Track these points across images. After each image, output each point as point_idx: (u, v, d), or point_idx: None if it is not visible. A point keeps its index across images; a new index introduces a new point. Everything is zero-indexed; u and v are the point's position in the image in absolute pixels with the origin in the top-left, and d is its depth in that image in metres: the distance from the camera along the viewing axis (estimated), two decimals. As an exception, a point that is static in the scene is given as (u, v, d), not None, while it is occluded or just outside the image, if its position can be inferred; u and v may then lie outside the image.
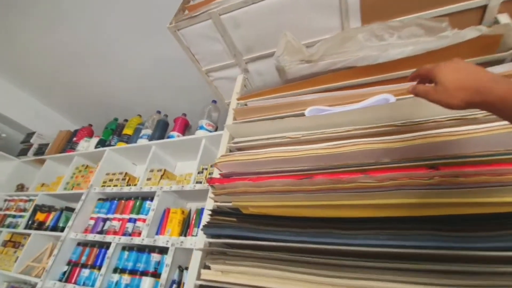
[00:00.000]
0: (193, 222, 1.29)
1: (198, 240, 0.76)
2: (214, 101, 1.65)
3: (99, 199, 1.66)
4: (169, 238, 1.28)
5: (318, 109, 0.79)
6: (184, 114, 1.76)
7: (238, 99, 1.00)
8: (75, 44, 1.81)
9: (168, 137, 1.63)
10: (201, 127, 1.50)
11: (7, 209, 2.06)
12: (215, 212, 0.75)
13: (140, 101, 2.16)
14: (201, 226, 0.74)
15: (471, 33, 0.66)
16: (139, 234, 1.35)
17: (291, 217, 0.66)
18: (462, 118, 0.60)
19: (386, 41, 0.76)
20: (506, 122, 0.48)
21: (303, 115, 0.83)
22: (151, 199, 1.45)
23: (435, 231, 0.53)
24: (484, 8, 0.77)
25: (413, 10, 0.79)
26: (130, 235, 1.39)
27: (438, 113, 0.64)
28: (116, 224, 1.49)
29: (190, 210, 1.41)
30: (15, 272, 1.57)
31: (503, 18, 0.77)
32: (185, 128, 1.70)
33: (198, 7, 0.90)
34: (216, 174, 0.82)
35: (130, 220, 1.46)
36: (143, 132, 1.71)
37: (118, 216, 1.51)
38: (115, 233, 1.45)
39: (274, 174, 0.70)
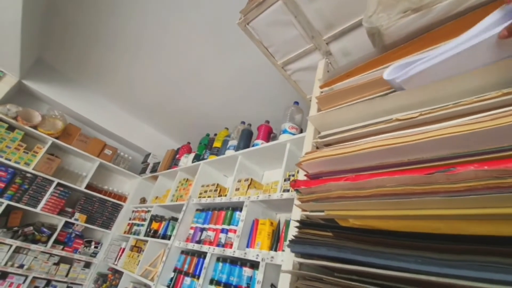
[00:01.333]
0: (282, 235, 1.16)
1: (285, 259, 0.61)
2: (296, 102, 1.51)
3: (197, 210, 1.76)
4: (259, 252, 1.18)
5: (403, 64, 0.54)
6: (267, 121, 1.69)
7: (321, 86, 0.82)
8: (172, 75, 2.06)
9: (253, 146, 1.59)
10: (285, 131, 1.38)
11: (134, 218, 2.47)
12: (303, 224, 0.59)
13: (226, 114, 2.26)
14: (287, 242, 0.59)
15: None
16: (231, 245, 1.31)
17: (420, 234, 0.43)
18: None
19: None
20: None
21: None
22: (241, 210, 1.41)
23: None
24: None
25: None
26: (223, 246, 1.37)
27: None
28: (211, 234, 1.51)
29: (279, 222, 1.28)
30: (137, 274, 1.81)
31: None
32: (269, 135, 1.62)
33: (266, -8, 0.80)
34: (301, 176, 0.66)
35: (222, 230, 1.45)
36: (230, 143, 1.73)
37: (212, 226, 1.53)
38: (210, 243, 1.46)
39: (383, 170, 0.49)
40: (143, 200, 2.68)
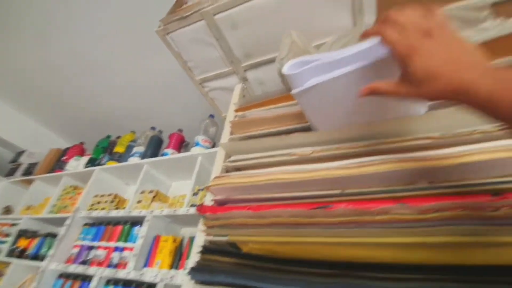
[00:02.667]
0: (186, 252, 1.13)
1: (185, 285, 0.60)
2: (212, 116, 1.53)
3: (85, 224, 1.51)
4: (158, 271, 1.11)
5: (302, 62, 0.51)
6: (180, 130, 1.63)
7: (236, 110, 0.87)
8: (68, 61, 1.74)
9: (162, 155, 1.50)
10: (197, 144, 1.37)
11: (-10, 234, 1.90)
12: (206, 250, 0.60)
13: (134, 117, 2.05)
14: (188, 268, 0.59)
15: (521, 22, 0.53)
16: (125, 265, 1.18)
17: (306, 260, 0.51)
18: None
19: (411, 37, 0.63)
20: None
21: (308, 128, 0.69)
22: (141, 225, 1.29)
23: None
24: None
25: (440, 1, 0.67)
26: (115, 266, 1.22)
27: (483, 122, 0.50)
28: (101, 253, 1.32)
29: (183, 238, 1.25)
30: (-12, 308, 1.39)
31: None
32: (181, 144, 1.57)
33: (189, 8, 0.79)
34: (208, 200, 0.67)
35: (116, 248, 1.30)
36: (135, 149, 1.58)
37: (104, 244, 1.34)
38: (99, 264, 1.28)
39: (280, 202, 0.56)
40: (7, 210, 2.10)
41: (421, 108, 0.55)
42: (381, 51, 0.42)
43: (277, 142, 0.66)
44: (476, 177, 0.45)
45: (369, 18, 0.72)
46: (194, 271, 0.56)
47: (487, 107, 0.27)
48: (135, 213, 1.31)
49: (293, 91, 0.52)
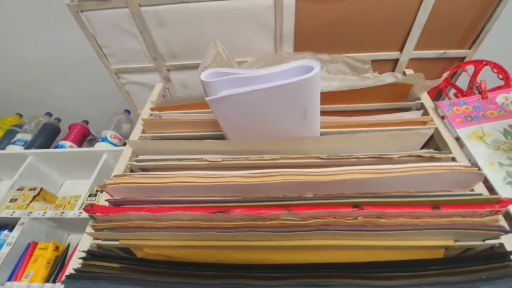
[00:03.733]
0: (70, 261, 0.97)
1: (56, 297, 0.52)
2: (127, 111, 1.40)
3: None
4: (27, 285, 0.92)
5: (220, 72, 0.55)
6: (86, 121, 1.43)
7: (152, 109, 0.83)
8: None
9: (56, 147, 1.27)
10: (104, 139, 1.23)
11: None
12: (91, 255, 0.54)
13: (25, 97, 1.68)
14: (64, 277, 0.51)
15: (389, 78, 0.70)
16: (-23, 280, 0.93)
17: (197, 264, 0.51)
18: (380, 157, 0.61)
19: (316, 72, 0.75)
20: (423, 164, 0.48)
21: (222, 136, 0.72)
22: (11, 229, 1.05)
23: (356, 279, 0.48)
24: (396, 61, 0.86)
25: (339, 49, 0.82)
26: (-39, 282, 0.94)
27: (359, 150, 0.63)
28: None
29: (69, 246, 1.07)
30: None
31: (409, 72, 0.87)
32: (83, 138, 1.37)
33: (114, -9, 0.73)
34: (102, 200, 0.61)
35: (-33, 259, 1.01)
36: (19, 136, 1.29)
37: None
38: None
39: (182, 205, 0.55)
40: None
41: (317, 132, 0.65)
42: (290, 78, 0.49)
43: (189, 147, 0.66)
44: (347, 192, 0.56)
45: (288, 48, 0.82)
46: (70, 279, 0.49)
47: None
48: (5, 213, 1.05)
49: (207, 99, 0.54)
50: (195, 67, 0.89)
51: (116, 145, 1.24)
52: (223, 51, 0.73)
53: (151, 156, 0.70)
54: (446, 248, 0.53)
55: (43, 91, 1.66)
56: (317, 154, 0.62)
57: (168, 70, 0.91)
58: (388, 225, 0.49)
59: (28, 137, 1.30)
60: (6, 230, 1.07)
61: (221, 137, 0.74)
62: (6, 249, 0.97)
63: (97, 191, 1.10)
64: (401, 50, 0.84)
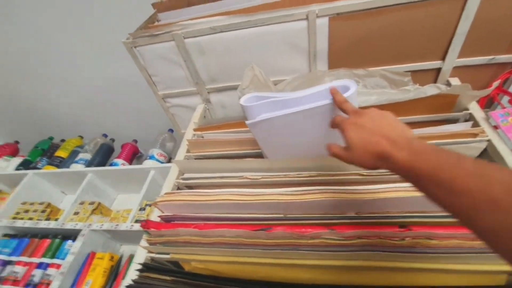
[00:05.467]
0: (123, 272, 1.06)
1: (117, 305, 0.57)
2: (171, 130, 1.51)
3: (5, 235, 1.32)
4: (87, 292, 1.02)
5: (258, 97, 0.57)
6: (135, 141, 1.58)
7: (195, 130, 0.89)
8: (6, 48, 1.59)
9: (111, 165, 1.41)
10: (151, 157, 1.34)
11: None
12: (146, 267, 0.59)
13: (85, 121, 1.91)
14: (123, 287, 0.56)
15: (431, 90, 0.68)
16: (48, 285, 1.05)
17: (242, 280, 0.53)
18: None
19: (352, 88, 0.75)
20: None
21: (261, 154, 0.75)
22: (74, 239, 1.18)
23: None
24: (438, 70, 0.82)
25: (375, 63, 0.81)
26: (35, 286, 1.08)
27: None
28: (19, 270, 1.16)
29: (122, 256, 1.17)
30: None
31: (454, 82, 0.82)
32: (133, 156, 1.50)
33: (161, 27, 0.82)
34: (155, 216, 0.67)
35: (40, 265, 1.15)
36: (81, 156, 1.47)
37: (24, 259, 1.18)
38: (15, 282, 1.12)
39: (227, 222, 0.58)
40: None
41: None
42: (325, 101, 0.51)
43: (230, 165, 0.70)
44: (392, 210, 0.54)
45: (322, 66, 0.84)
46: (130, 290, 0.55)
47: (406, 176, 0.31)
48: (70, 225, 1.19)
49: (247, 122, 0.57)
50: (232, 88, 0.95)
51: (162, 162, 1.34)
52: (259, 74, 0.77)
53: (195, 174, 0.75)
54: (510, 273, 0.48)
55: (99, 114, 1.87)
56: (356, 171, 0.62)
57: (208, 93, 0.98)
58: (440, 247, 0.46)
59: (88, 156, 1.47)
60: (70, 241, 1.21)
61: (260, 155, 0.77)
62: (70, 257, 1.09)
63: (146, 205, 1.19)
64: (443, 58, 0.81)
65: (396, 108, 0.72)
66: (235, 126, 0.84)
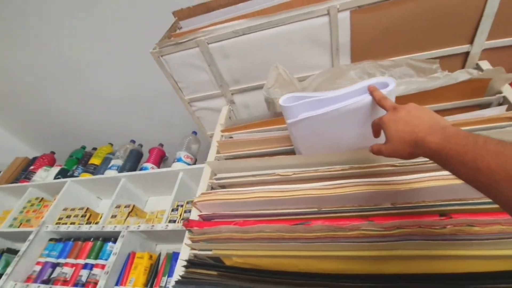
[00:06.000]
0: (162, 269, 1.11)
1: (167, 299, 0.62)
2: (195, 132, 1.56)
3: (51, 239, 1.42)
4: (131, 289, 1.08)
5: (296, 97, 0.61)
6: (161, 145, 1.64)
7: (222, 131, 0.92)
8: (42, 67, 1.70)
9: (141, 169, 1.49)
10: (179, 159, 1.39)
11: None
12: (191, 263, 0.63)
13: (113, 129, 2.02)
14: (172, 282, 0.61)
15: (462, 75, 0.66)
16: (95, 284, 1.13)
17: (284, 272, 0.56)
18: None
19: (378, 79, 0.75)
20: None
21: (293, 151, 0.77)
22: (114, 241, 1.26)
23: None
24: (466, 54, 0.80)
25: (400, 52, 0.80)
26: (83, 285, 1.16)
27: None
28: (67, 271, 1.25)
29: (160, 255, 1.23)
30: None
31: (484, 65, 0.80)
32: (161, 160, 1.57)
33: (185, 35, 0.86)
34: (194, 215, 0.71)
35: (86, 266, 1.24)
36: (113, 162, 1.55)
37: (71, 261, 1.28)
38: (65, 282, 1.21)
39: (264, 218, 0.61)
40: (-43, 223, 1.90)
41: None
42: (365, 96, 0.53)
43: (261, 163, 0.72)
44: (428, 200, 0.54)
45: (345, 60, 0.84)
46: (179, 284, 0.59)
47: (437, 159, 0.34)
48: (109, 228, 1.27)
49: (288, 121, 0.61)
50: (255, 88, 0.97)
51: (189, 164, 1.39)
52: (284, 72, 0.79)
53: (228, 174, 0.78)
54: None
55: (127, 121, 1.96)
56: (389, 162, 0.62)
57: (232, 94, 1.01)
58: (482, 234, 0.46)
59: (119, 162, 1.55)
60: (111, 242, 1.29)
61: (288, 152, 0.79)
62: (113, 258, 1.17)
63: (177, 205, 1.25)
64: (471, 42, 0.78)
65: (426, 96, 0.71)
66: (261, 125, 0.86)
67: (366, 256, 0.53)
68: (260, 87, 0.94)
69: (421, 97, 0.71)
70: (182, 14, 1.01)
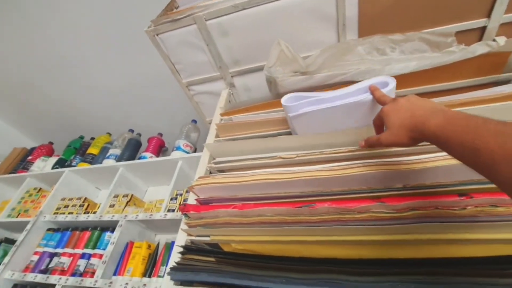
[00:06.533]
0: (160, 259, 1.08)
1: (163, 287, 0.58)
2: (194, 121, 1.52)
3: (49, 229, 1.40)
4: (129, 279, 1.05)
5: (298, 96, 0.64)
6: (160, 134, 1.60)
7: (222, 114, 0.88)
8: (39, 57, 1.66)
9: (140, 158, 1.45)
10: (178, 148, 1.35)
11: None
12: (188, 249, 0.59)
13: (111, 118, 1.98)
14: (167, 268, 0.57)
15: (480, 48, 0.61)
16: (93, 274, 1.10)
17: (287, 258, 0.52)
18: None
19: (388, 55, 0.70)
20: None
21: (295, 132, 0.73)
22: (112, 230, 1.23)
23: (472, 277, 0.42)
24: (483, 29, 0.74)
25: (413, 27, 0.75)
26: (81, 275, 1.14)
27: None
28: (65, 260, 1.22)
29: (158, 244, 1.20)
30: None
31: (501, 40, 0.74)
32: (160, 149, 1.53)
33: (182, 12, 0.81)
34: (191, 200, 0.67)
35: (83, 255, 1.21)
36: (111, 151, 1.51)
37: (69, 250, 1.25)
38: (62, 272, 1.18)
39: (265, 201, 0.57)
40: (-44, 214, 1.88)
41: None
42: (365, 95, 0.56)
43: (262, 144, 0.68)
44: (443, 180, 0.49)
45: (352, 35, 0.79)
46: (175, 271, 0.55)
47: (437, 141, 0.33)
48: (107, 217, 1.24)
49: (290, 114, 0.62)
50: (257, 70, 0.92)
51: (188, 153, 1.35)
52: (286, 49, 0.74)
53: (227, 158, 0.74)
54: None
55: (125, 111, 1.92)
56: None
57: (232, 76, 0.96)
58: (507, 215, 0.42)
59: (117, 151, 1.52)
60: (109, 232, 1.26)
61: (291, 134, 0.74)
62: (110, 247, 1.14)
63: (176, 194, 1.21)
64: (488, 15, 0.73)
65: (439, 73, 0.66)
66: (263, 107, 0.81)
67: (377, 240, 0.49)
68: (261, 69, 0.88)
69: (434, 73, 0.66)
70: (179, -8, 0.96)
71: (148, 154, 1.44)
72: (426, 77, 0.67)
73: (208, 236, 0.61)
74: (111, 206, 1.32)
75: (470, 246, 0.45)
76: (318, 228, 0.51)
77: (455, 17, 0.73)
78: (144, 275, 1.08)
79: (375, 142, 0.45)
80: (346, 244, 0.52)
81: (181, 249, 0.59)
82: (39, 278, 1.17)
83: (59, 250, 1.28)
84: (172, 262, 0.58)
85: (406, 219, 0.46)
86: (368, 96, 0.56)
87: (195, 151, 1.41)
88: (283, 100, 0.63)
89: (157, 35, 0.86)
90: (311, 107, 0.61)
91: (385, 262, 0.47)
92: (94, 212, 1.32)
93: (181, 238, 0.63)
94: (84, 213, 1.36)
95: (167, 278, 0.56)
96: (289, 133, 0.75)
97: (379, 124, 0.48)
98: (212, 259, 0.55)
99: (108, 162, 1.47)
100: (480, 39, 0.77)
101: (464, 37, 0.76)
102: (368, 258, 0.49)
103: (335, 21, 0.75)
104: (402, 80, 0.68)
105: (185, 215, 0.61)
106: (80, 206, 1.41)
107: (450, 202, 0.43)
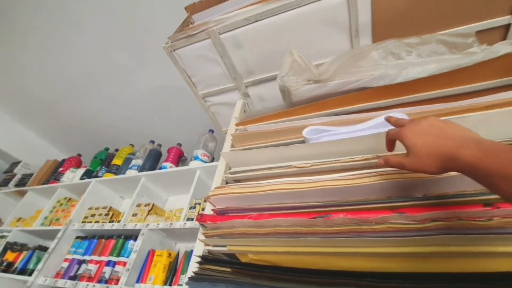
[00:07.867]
0: (180, 267, 1.10)
1: (182, 297, 0.59)
2: (211, 131, 1.55)
3: (77, 237, 1.47)
4: (151, 287, 1.08)
5: (318, 129, 0.68)
6: (179, 144, 1.65)
7: (237, 124, 0.89)
8: (68, 73, 1.79)
9: (160, 168, 1.50)
10: (196, 158, 1.38)
11: (-24, 247, 1.84)
12: (205, 259, 0.60)
13: (133, 130, 2.07)
14: (186, 278, 0.58)
15: (504, 47, 0.58)
16: (117, 281, 1.15)
17: (304, 269, 0.51)
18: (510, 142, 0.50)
19: (404, 59, 0.68)
20: None
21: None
22: (135, 239, 1.27)
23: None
24: (506, 27, 0.71)
25: (428, 29, 0.73)
26: (106, 282, 1.18)
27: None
28: (92, 267, 1.28)
29: (178, 253, 1.22)
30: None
31: (529, 38, 0.70)
32: (179, 159, 1.57)
33: (196, 27, 0.84)
34: (208, 210, 0.68)
35: (108, 263, 1.26)
36: (133, 162, 1.58)
37: (95, 258, 1.31)
38: (89, 279, 1.24)
39: (280, 211, 0.57)
40: (-4, 222, 2.04)
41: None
42: (382, 129, 0.55)
43: (277, 153, 0.68)
44: (466, 189, 0.47)
45: (365, 41, 0.78)
46: (193, 281, 0.56)
47: (473, 173, 0.31)
48: (130, 226, 1.29)
49: (310, 141, 0.67)
50: (270, 79, 0.93)
51: (206, 162, 1.37)
52: (299, 58, 0.74)
53: (242, 167, 0.75)
54: None
55: (145, 122, 2.01)
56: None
57: (247, 87, 0.98)
58: (540, 226, 0.39)
59: (140, 162, 1.58)
60: (132, 240, 1.31)
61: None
62: (133, 255, 1.18)
63: (195, 204, 1.24)
64: (511, 12, 0.69)
65: (459, 75, 0.63)
66: (276, 116, 0.82)
67: (397, 252, 0.47)
68: (275, 78, 0.89)
69: (454, 76, 0.63)
70: (194, 9, 1.00)
71: (168, 164, 1.49)
72: (447, 80, 0.64)
73: (225, 246, 0.61)
74: (134, 215, 1.37)
75: (498, 260, 0.42)
76: (335, 239, 0.49)
77: (475, 16, 0.70)
78: (165, 283, 1.11)
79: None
80: (365, 256, 0.51)
81: (199, 259, 0.60)
82: (69, 284, 1.23)
83: (86, 257, 1.34)
84: (190, 272, 0.59)
85: (427, 230, 0.44)
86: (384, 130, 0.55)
87: (212, 160, 1.44)
88: (304, 132, 0.69)
89: (174, 50, 0.90)
90: (330, 137, 0.66)
91: (408, 276, 0.45)
92: (119, 221, 1.37)
93: (198, 248, 0.64)
94: (109, 221, 1.42)
95: (185, 287, 0.57)
96: (303, 142, 0.75)
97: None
98: (228, 269, 0.56)
99: (131, 173, 1.53)
100: (504, 38, 0.73)
101: (486, 36, 0.73)
102: (388, 272, 0.47)
103: (348, 28, 0.75)
104: (421, 84, 0.66)
105: (202, 225, 0.62)
106: (105, 215, 1.48)
107: (475, 212, 0.41)
